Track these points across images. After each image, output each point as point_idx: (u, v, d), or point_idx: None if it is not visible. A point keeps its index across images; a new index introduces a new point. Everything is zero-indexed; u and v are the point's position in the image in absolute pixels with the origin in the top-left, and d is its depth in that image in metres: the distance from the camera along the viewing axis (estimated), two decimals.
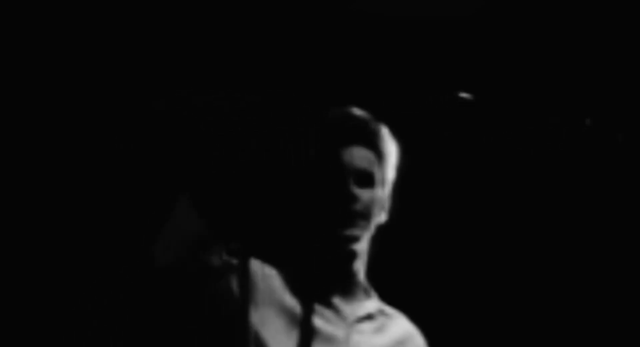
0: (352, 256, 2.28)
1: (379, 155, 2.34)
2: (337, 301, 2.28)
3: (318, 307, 2.26)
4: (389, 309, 2.38)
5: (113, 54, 3.22)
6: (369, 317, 2.31)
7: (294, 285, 2.27)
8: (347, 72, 3.46)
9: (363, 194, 2.28)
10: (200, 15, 3.22)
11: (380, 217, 2.34)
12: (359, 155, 2.31)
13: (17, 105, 3.20)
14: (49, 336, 3.20)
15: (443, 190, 3.57)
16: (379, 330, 2.31)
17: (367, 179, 2.30)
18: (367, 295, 2.34)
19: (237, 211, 2.93)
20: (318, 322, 2.23)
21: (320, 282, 2.29)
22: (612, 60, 3.48)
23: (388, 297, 2.39)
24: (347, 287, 2.30)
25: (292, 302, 2.24)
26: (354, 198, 2.26)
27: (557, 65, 3.50)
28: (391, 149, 2.36)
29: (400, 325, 2.36)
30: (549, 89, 3.51)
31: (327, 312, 2.26)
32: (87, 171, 3.28)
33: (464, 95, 3.39)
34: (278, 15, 3.38)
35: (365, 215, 2.27)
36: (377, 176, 2.32)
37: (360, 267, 2.32)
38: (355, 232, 2.26)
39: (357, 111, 2.35)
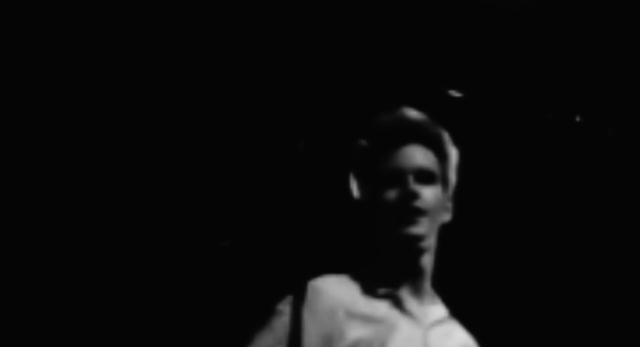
0: (419, 253, 2.24)
1: (440, 155, 2.32)
2: (410, 304, 2.24)
3: (396, 311, 2.22)
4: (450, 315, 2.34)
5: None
6: (438, 321, 2.27)
7: (365, 287, 2.23)
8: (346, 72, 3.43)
9: (424, 190, 2.25)
10: None
11: (444, 217, 2.31)
12: (418, 154, 2.29)
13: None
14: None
15: None
16: (448, 335, 2.27)
17: (428, 177, 2.27)
18: (433, 299, 2.31)
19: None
20: (397, 324, 2.19)
21: (392, 283, 2.24)
22: (602, 57, 3.51)
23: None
24: (417, 290, 2.26)
25: (369, 308, 2.19)
26: (415, 195, 2.23)
27: (549, 63, 3.52)
28: (452, 150, 2.35)
29: (460, 332, 2.32)
30: (540, 86, 3.53)
31: (404, 315, 2.22)
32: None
33: (455, 93, 3.38)
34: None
35: (426, 212, 2.23)
36: (438, 175, 2.30)
37: (427, 267, 2.27)
38: (418, 230, 2.22)
39: (417, 112, 2.33)
